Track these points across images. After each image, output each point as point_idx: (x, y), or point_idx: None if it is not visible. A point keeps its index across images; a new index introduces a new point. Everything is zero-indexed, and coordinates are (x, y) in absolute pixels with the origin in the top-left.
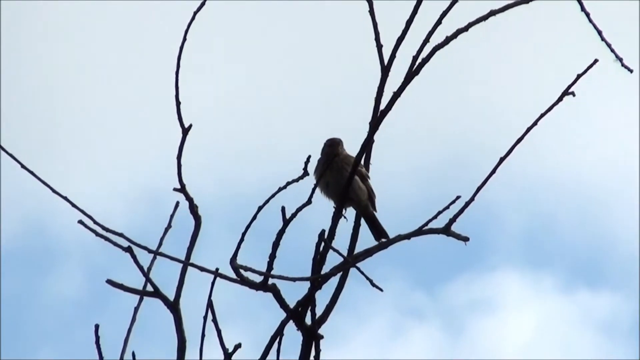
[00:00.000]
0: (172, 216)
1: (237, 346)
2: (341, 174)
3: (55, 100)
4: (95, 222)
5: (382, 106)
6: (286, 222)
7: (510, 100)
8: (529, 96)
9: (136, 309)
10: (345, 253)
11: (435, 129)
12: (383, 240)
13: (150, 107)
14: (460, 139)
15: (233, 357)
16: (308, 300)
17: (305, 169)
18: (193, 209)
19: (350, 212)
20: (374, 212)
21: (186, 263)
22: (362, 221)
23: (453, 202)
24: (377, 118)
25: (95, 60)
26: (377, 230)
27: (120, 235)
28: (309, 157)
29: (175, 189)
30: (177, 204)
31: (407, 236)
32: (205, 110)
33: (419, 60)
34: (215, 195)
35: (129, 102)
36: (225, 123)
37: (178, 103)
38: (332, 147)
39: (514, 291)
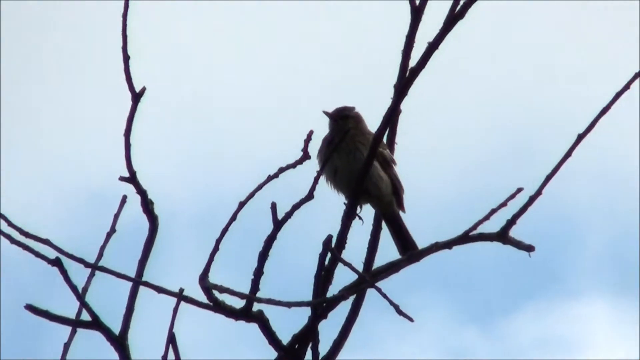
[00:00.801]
0: (116, 216)
1: None
2: (355, 158)
3: None
4: (10, 224)
5: (413, 63)
6: (278, 224)
7: (588, 59)
8: (615, 54)
9: (67, 346)
10: (360, 267)
11: (486, 97)
12: (412, 252)
13: (92, 77)
14: (521, 112)
15: None
16: (308, 334)
17: (305, 149)
18: (147, 205)
19: (367, 211)
20: (400, 213)
21: (137, 281)
22: (383, 223)
23: (512, 196)
24: (406, 79)
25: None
26: (403, 238)
27: (46, 242)
28: (311, 133)
29: (122, 178)
30: (124, 199)
31: (448, 244)
32: (167, 78)
33: None
34: (181, 188)
35: (61, 72)
36: (195, 92)
37: (126, 58)
38: (342, 119)
39: (602, 327)
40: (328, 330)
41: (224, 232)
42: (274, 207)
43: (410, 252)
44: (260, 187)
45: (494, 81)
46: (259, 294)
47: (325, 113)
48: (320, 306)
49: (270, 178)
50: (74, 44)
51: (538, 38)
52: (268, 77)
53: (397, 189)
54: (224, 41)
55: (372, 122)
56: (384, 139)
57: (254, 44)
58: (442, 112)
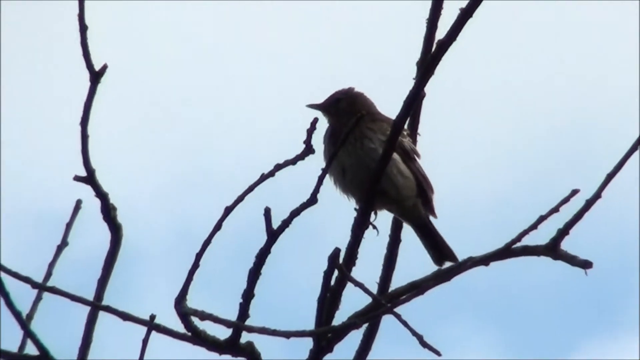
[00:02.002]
0: (69, 225)
1: None
2: (364, 149)
3: None
4: None
5: (441, 34)
6: (273, 234)
7: None
8: None
9: None
10: (374, 289)
11: (533, 79)
12: (443, 265)
13: (36, 51)
14: (577, 98)
15: None
16: None
17: (307, 142)
18: (108, 212)
19: (383, 218)
20: (429, 217)
21: (96, 306)
22: (404, 232)
23: (565, 200)
24: (432, 55)
25: None
26: (437, 246)
27: None
28: (315, 121)
29: (77, 178)
30: (79, 204)
31: (485, 260)
32: (136, 55)
33: None
34: (152, 191)
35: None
36: (171, 72)
37: (83, 28)
38: (349, 104)
39: None
40: None
41: (206, 244)
42: (267, 213)
43: (440, 267)
44: (251, 188)
45: (542, 59)
46: (248, 322)
47: (312, 107)
48: (325, 337)
49: (264, 177)
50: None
51: (605, 15)
52: (265, 57)
53: (424, 188)
54: (210, 15)
55: (390, 108)
56: (405, 128)
57: (247, 19)
58: (476, 97)
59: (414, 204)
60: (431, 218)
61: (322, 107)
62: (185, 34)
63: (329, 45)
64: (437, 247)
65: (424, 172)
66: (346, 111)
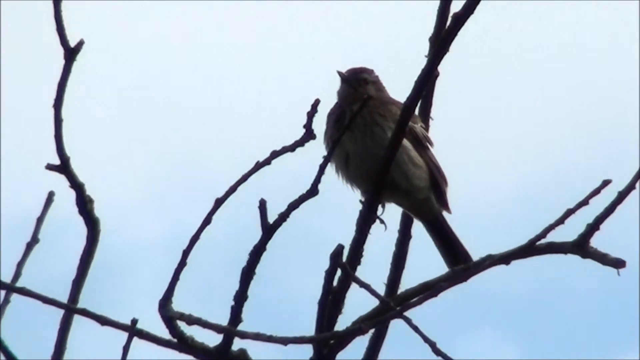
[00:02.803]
0: (40, 220)
1: None
2: (374, 136)
3: None
4: None
5: (456, 6)
6: (269, 229)
7: None
8: None
9: None
10: (382, 291)
11: (560, 59)
12: (459, 266)
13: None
14: (610, 80)
15: None
16: None
17: (307, 126)
18: (84, 205)
19: (392, 211)
20: (443, 213)
21: (70, 308)
22: (415, 227)
23: (595, 192)
24: (447, 30)
25: None
26: (450, 246)
27: None
28: (316, 103)
29: (50, 167)
30: (51, 196)
31: (505, 258)
32: (115, 30)
33: None
34: (135, 183)
35: None
36: (156, 46)
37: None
38: (356, 83)
39: None
40: None
41: (194, 240)
42: (263, 205)
43: (456, 267)
44: (245, 178)
45: (569, 37)
46: (241, 327)
47: (340, 74)
48: (327, 343)
49: (259, 165)
50: None
51: None
52: (260, 35)
53: (437, 180)
54: None
55: (400, 88)
56: (416, 112)
57: None
58: (496, 77)
59: (426, 197)
60: (445, 214)
61: (348, 79)
62: (174, 14)
63: (330, 19)
64: (450, 247)
65: (437, 161)
66: (369, 94)
